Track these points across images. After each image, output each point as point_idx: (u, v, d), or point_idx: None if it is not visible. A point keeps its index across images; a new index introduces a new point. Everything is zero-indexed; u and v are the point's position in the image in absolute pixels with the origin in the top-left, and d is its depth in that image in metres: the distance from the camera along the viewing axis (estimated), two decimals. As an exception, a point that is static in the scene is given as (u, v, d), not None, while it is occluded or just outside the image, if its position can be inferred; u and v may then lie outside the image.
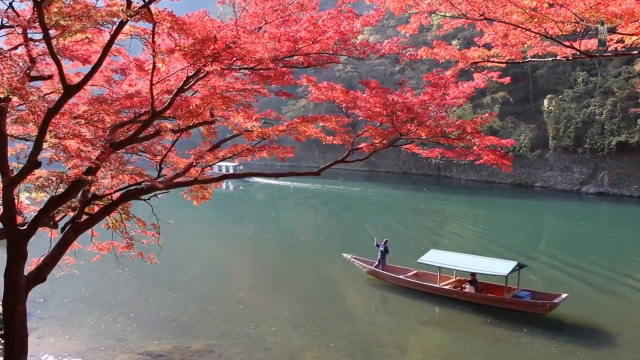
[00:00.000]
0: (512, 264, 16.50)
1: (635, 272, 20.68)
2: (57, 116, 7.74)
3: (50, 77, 9.05)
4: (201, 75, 9.17)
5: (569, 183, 50.30)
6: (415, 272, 18.86)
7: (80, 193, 9.74)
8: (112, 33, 7.33)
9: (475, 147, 11.14)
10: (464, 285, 17.25)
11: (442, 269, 17.61)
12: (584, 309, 16.14)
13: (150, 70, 8.62)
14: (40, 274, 9.01)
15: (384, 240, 19.62)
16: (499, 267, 16.54)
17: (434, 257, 18.05)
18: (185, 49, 8.00)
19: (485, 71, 11.17)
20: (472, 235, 30.47)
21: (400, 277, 18.53)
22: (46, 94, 9.68)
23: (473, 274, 16.94)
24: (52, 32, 7.08)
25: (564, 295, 15.75)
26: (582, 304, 16.75)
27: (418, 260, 18.20)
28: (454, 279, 17.98)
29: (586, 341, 13.70)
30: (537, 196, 48.64)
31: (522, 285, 16.92)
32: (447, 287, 17.48)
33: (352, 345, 13.38)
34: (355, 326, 15.05)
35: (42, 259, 9.39)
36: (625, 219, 36.89)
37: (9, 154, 8.50)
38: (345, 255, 20.77)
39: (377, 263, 19.17)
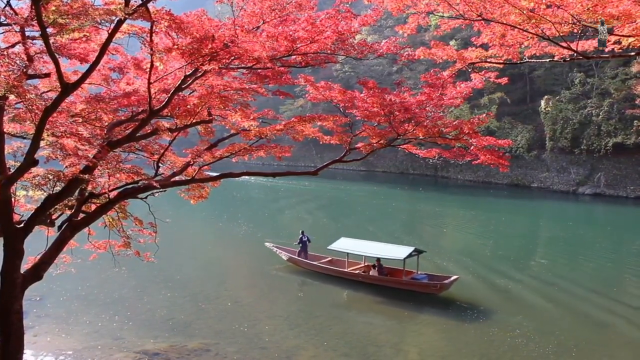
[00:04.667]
0: (409, 250, 18.03)
1: (613, 280, 20.86)
2: (55, 114, 7.73)
3: (47, 75, 9.05)
4: (199, 74, 9.16)
5: (566, 184, 50.45)
6: (329, 258, 20.72)
7: (77, 191, 9.73)
8: (109, 31, 7.31)
9: (472, 148, 11.17)
10: (370, 270, 18.82)
11: (350, 255, 19.34)
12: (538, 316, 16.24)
13: (148, 69, 8.62)
14: (37, 272, 9.01)
15: (301, 231, 21.36)
16: (398, 252, 18.10)
17: (343, 244, 19.74)
18: (183, 48, 8.00)
19: (483, 72, 11.20)
20: (450, 235, 30.55)
21: (315, 263, 20.29)
22: (43, 92, 9.66)
23: (378, 259, 18.56)
24: (49, 30, 7.06)
25: (453, 277, 17.34)
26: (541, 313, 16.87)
27: (328, 247, 19.94)
28: (363, 264, 19.65)
29: (579, 344, 13.78)
30: (533, 197, 48.71)
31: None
32: (356, 271, 19.16)
33: (348, 345, 13.40)
34: (352, 325, 15.07)
35: (38, 257, 9.37)
36: (617, 221, 36.97)
37: (6, 152, 8.48)
38: (267, 244, 22.50)
39: (298, 253, 20.85)
